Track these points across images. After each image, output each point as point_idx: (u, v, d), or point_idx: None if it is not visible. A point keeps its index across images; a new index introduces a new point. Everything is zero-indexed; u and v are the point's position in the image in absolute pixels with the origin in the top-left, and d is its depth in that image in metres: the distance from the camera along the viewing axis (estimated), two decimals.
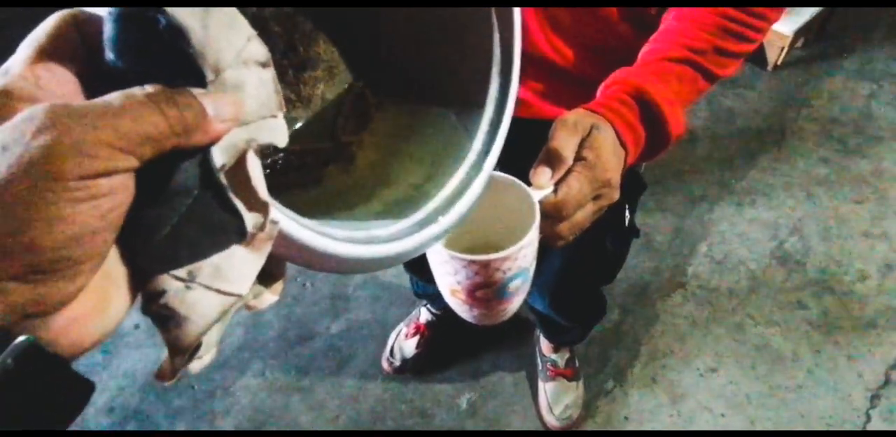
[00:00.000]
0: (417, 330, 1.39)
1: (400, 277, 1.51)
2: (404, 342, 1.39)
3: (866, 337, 1.40)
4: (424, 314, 1.41)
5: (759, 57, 1.98)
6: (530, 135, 0.50)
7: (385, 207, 0.34)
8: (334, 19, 0.36)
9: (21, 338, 0.17)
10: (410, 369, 1.37)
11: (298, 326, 1.47)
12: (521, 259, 0.41)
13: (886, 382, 1.33)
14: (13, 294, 0.17)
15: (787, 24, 1.86)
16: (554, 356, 1.33)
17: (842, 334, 1.41)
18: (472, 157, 0.37)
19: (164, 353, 0.22)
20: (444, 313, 1.39)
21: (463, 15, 0.36)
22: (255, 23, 0.32)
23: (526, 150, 0.45)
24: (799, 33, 1.91)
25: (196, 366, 0.23)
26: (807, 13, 1.89)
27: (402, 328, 1.42)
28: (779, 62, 1.98)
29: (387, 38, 0.38)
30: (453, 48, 0.38)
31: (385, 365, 1.38)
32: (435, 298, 1.31)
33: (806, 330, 1.42)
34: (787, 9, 1.89)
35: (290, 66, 0.35)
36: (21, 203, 0.16)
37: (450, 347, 1.40)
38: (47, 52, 0.20)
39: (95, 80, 0.21)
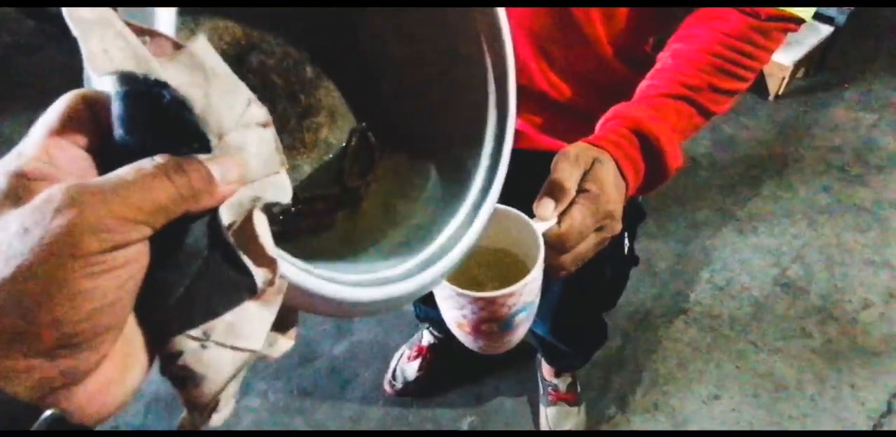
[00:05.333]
0: (420, 353, 1.39)
1: None
2: (406, 365, 1.39)
3: (869, 365, 1.39)
4: (427, 337, 1.41)
5: (760, 87, 2.01)
6: (530, 166, 0.51)
7: (393, 249, 0.35)
8: (334, 64, 0.38)
9: (48, 412, 0.18)
10: (412, 392, 1.37)
11: (301, 347, 1.48)
12: (525, 294, 0.42)
13: (889, 410, 1.32)
14: (41, 371, 0.18)
15: (788, 54, 1.90)
16: (556, 381, 1.33)
17: (845, 362, 1.40)
18: (474, 194, 0.38)
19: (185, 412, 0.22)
20: (447, 337, 1.39)
21: (455, 49, 0.37)
22: (257, 75, 0.34)
23: (526, 181, 0.46)
24: (799, 64, 1.94)
25: (216, 420, 0.23)
26: (807, 44, 1.93)
27: (405, 351, 1.42)
28: (780, 92, 2.01)
29: (385, 81, 0.39)
30: (450, 87, 0.39)
31: (387, 388, 1.39)
32: (437, 321, 1.32)
33: (809, 358, 1.41)
34: (787, 39, 1.92)
35: (292, 114, 0.36)
36: (45, 282, 0.17)
37: (452, 370, 1.40)
38: (59, 133, 0.21)
39: (107, 153, 0.22)
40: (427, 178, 0.39)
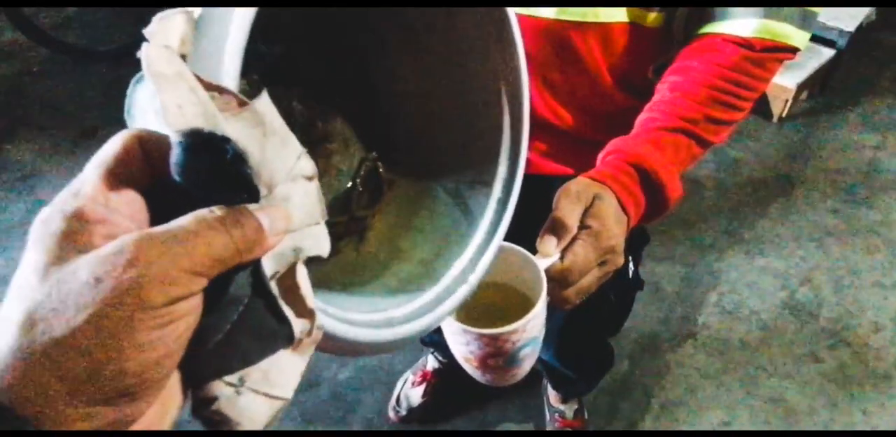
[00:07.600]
0: (424, 378, 1.38)
1: None
2: (410, 391, 1.37)
3: (882, 390, 1.37)
4: (431, 362, 1.40)
5: (763, 109, 2.02)
6: (535, 190, 0.51)
7: (398, 283, 0.36)
8: (352, 99, 0.38)
9: None
10: (416, 418, 1.35)
11: (305, 372, 1.46)
12: (530, 330, 0.42)
13: None
14: (99, 418, 0.18)
15: (790, 77, 1.91)
16: (562, 407, 1.31)
17: (857, 387, 1.38)
18: (480, 233, 0.39)
19: None
20: (452, 362, 1.37)
21: (475, 93, 0.38)
22: (279, 101, 0.34)
23: (530, 205, 0.47)
24: (802, 86, 1.95)
25: None
26: (809, 67, 1.94)
27: (409, 376, 1.41)
28: (783, 114, 2.02)
29: (401, 117, 0.40)
30: (465, 128, 0.39)
31: (391, 414, 1.37)
32: (442, 346, 1.30)
33: (821, 383, 1.39)
34: (789, 62, 1.93)
35: (308, 140, 0.36)
36: (114, 333, 0.18)
37: (457, 396, 1.38)
38: (115, 174, 0.22)
39: (157, 194, 0.23)
40: (434, 212, 0.40)
